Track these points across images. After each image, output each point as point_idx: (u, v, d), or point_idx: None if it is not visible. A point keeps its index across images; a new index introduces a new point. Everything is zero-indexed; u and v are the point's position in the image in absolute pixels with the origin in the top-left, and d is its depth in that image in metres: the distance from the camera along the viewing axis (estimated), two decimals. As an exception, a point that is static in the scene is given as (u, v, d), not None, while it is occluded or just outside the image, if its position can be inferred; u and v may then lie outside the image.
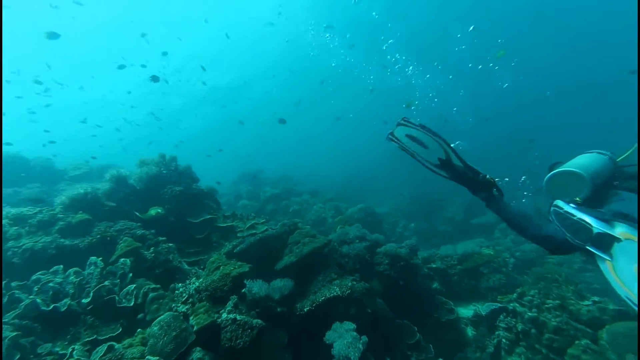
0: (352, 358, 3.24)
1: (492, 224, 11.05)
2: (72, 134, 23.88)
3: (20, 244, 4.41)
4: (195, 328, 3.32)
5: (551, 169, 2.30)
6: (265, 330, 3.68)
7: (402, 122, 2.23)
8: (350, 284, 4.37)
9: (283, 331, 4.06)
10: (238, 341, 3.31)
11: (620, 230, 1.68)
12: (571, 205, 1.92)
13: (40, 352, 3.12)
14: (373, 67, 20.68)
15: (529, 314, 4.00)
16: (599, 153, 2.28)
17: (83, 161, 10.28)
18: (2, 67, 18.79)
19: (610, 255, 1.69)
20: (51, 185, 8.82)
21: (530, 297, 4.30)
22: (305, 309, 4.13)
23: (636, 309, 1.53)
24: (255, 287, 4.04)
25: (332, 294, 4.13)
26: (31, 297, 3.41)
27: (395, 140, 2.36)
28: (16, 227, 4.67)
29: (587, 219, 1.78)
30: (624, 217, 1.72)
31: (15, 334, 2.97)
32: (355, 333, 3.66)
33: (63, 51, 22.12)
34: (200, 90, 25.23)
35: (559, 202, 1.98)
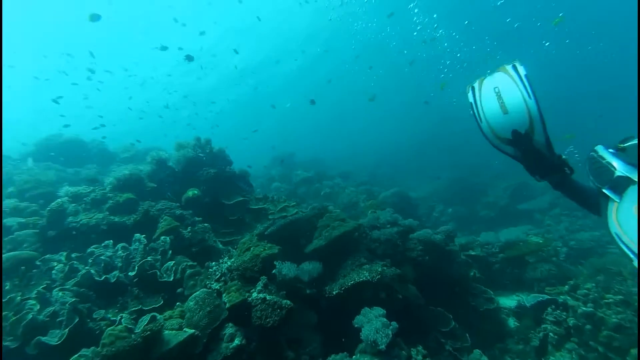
0: (379, 343, 3.16)
1: (543, 209, 10.07)
2: (119, 117, 25.79)
3: (78, 219, 4.89)
4: (227, 305, 3.46)
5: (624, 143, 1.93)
6: (295, 311, 3.72)
7: (513, 65, 1.82)
8: (380, 269, 4.24)
9: (312, 312, 4.10)
10: (268, 320, 3.39)
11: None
12: (610, 150, 1.79)
13: (96, 317, 3.48)
14: (411, 40, 19.20)
15: (584, 308, 3.59)
16: None
17: (129, 144, 11.11)
18: (2, 66, 20.37)
19: (621, 198, 1.62)
20: (105, 167, 9.70)
21: (585, 291, 3.84)
22: (334, 292, 4.11)
23: (622, 246, 1.50)
24: (285, 268, 4.08)
25: (361, 279, 4.04)
26: (86, 267, 3.77)
27: (475, 92, 1.96)
28: (74, 204, 5.17)
29: (615, 162, 1.71)
30: None
31: (74, 299, 3.32)
32: (384, 319, 3.56)
33: (104, 36, 23.58)
34: (232, 72, 25.64)
35: (598, 147, 1.84)
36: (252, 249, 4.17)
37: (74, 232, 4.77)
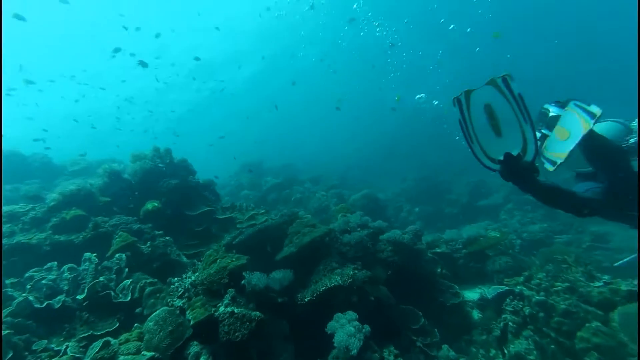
0: (352, 348, 3.14)
1: (498, 205, 10.84)
2: (65, 129, 23.66)
3: (14, 241, 4.34)
4: (192, 322, 3.24)
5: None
6: (266, 322, 3.59)
7: (503, 79, 1.66)
8: (351, 272, 4.25)
9: (284, 321, 3.99)
10: (236, 334, 3.23)
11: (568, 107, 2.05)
12: (554, 104, 2.20)
13: (36, 349, 3.07)
14: (376, 42, 19.84)
15: (537, 297, 3.87)
16: (613, 121, 2.17)
17: (78, 156, 10.19)
18: (2, 67, 18.41)
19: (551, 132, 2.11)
20: (50, 181, 8.77)
21: (538, 280, 4.15)
22: (306, 299, 4.04)
23: (542, 159, 2.07)
24: (254, 279, 3.94)
25: (333, 284, 4.02)
26: (24, 294, 3.34)
27: (463, 108, 1.81)
28: (9, 225, 4.59)
29: (551, 108, 2.19)
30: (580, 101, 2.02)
31: (7, 332, 2.91)
32: (357, 322, 3.56)
33: (55, 47, 21.74)
34: (189, 77, 24.71)
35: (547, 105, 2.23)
36: (218, 260, 3.98)
37: (11, 257, 4.21)
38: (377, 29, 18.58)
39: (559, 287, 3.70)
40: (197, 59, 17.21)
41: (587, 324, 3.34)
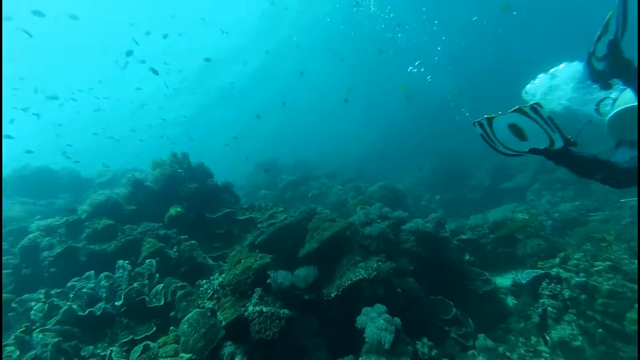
0: (384, 342, 3.10)
1: (524, 186, 10.37)
2: (86, 142, 24.74)
3: (54, 253, 4.58)
4: (223, 323, 3.31)
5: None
6: (294, 319, 3.62)
7: (532, 107, 1.82)
8: (375, 265, 4.20)
9: (313, 318, 4.00)
10: (267, 332, 3.26)
11: None
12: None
13: (84, 355, 3.24)
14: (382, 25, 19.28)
15: (576, 279, 3.66)
16: None
17: (105, 168, 10.62)
18: (2, 69, 19.23)
19: None
20: (80, 194, 9.21)
21: (575, 261, 3.93)
22: (332, 295, 4.02)
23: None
24: (280, 277, 3.97)
25: (358, 277, 3.98)
26: (68, 303, 3.52)
27: (487, 130, 2.00)
28: (48, 238, 4.85)
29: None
30: None
31: (57, 339, 3.08)
32: (387, 315, 3.51)
33: (69, 61, 22.57)
34: (196, 77, 24.95)
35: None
36: (242, 261, 4.03)
37: (52, 269, 4.46)
38: (379, 12, 18.06)
39: (600, 267, 3.49)
40: (207, 59, 17.38)
41: (637, 304, 3.13)
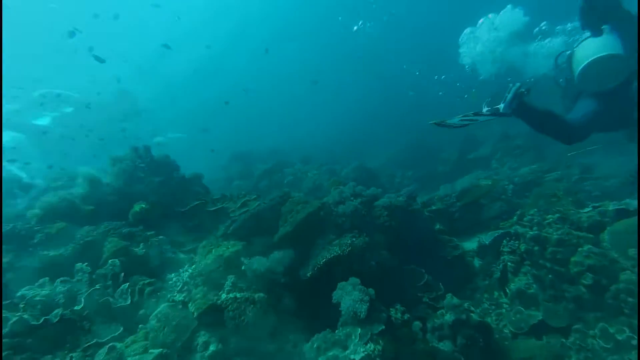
0: (359, 312, 3.16)
1: (488, 155, 10.89)
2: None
3: (3, 262, 4.18)
4: (195, 314, 3.21)
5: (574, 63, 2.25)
6: (271, 302, 3.60)
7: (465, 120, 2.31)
8: (349, 241, 4.24)
9: (290, 299, 4.00)
10: (242, 317, 3.22)
11: None
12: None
13: (42, 366, 3.03)
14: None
15: (530, 232, 3.92)
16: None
17: (59, 170, 9.77)
18: (2, 71, 16.95)
19: None
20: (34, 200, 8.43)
21: (530, 217, 4.20)
22: (308, 274, 4.04)
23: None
24: (255, 263, 3.90)
25: (332, 254, 4.01)
26: (18, 314, 3.24)
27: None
28: (-7, 250, 4.41)
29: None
30: None
31: (6, 353, 2.84)
32: (361, 287, 3.57)
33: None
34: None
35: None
36: (213, 250, 3.91)
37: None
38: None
39: (551, 219, 3.75)
40: (166, 46, 16.22)
41: (580, 249, 3.41)
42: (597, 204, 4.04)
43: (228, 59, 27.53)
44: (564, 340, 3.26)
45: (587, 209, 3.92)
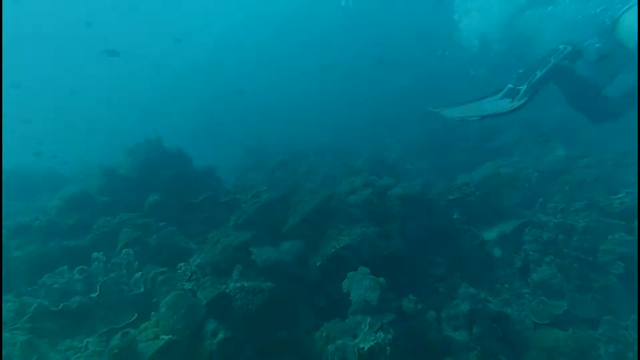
0: (370, 300, 3.06)
1: (511, 142, 10.30)
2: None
3: (26, 252, 4.38)
4: (204, 302, 3.22)
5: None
6: (280, 291, 3.55)
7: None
8: (360, 231, 4.13)
9: (301, 289, 3.95)
10: (250, 306, 3.19)
11: None
12: None
13: (61, 349, 3.14)
14: None
15: (554, 220, 3.66)
16: None
17: (83, 164, 10.18)
18: (2, 72, 17.86)
19: None
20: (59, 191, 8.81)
21: (554, 204, 3.91)
22: (318, 264, 3.97)
23: None
24: (264, 253, 3.87)
25: (341, 244, 3.91)
26: (38, 300, 3.38)
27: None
28: (18, 240, 4.63)
29: None
30: None
31: (27, 337, 2.96)
32: (372, 276, 3.46)
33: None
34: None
35: None
36: (221, 240, 3.90)
37: (23, 268, 4.27)
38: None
39: (577, 206, 3.47)
40: (178, 40, 16.34)
41: (610, 236, 3.13)
42: (630, 190, 3.70)
43: (236, 51, 27.42)
44: (592, 331, 3.03)
45: (619, 195, 3.59)
